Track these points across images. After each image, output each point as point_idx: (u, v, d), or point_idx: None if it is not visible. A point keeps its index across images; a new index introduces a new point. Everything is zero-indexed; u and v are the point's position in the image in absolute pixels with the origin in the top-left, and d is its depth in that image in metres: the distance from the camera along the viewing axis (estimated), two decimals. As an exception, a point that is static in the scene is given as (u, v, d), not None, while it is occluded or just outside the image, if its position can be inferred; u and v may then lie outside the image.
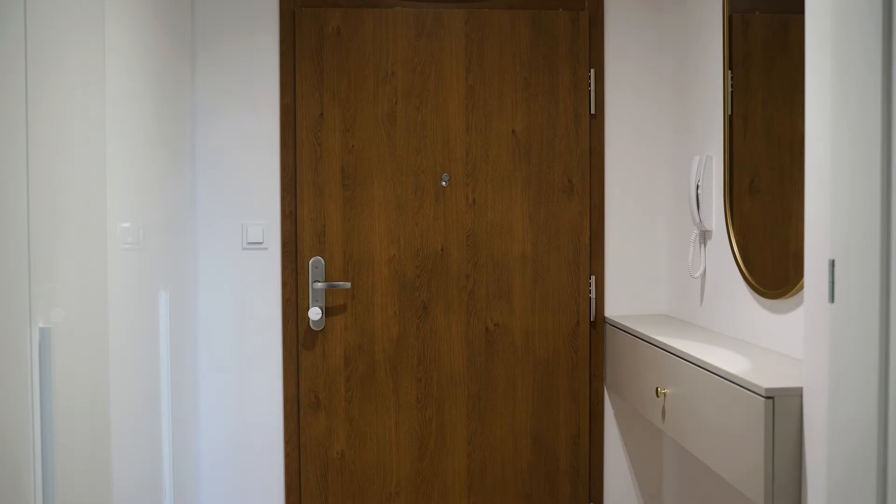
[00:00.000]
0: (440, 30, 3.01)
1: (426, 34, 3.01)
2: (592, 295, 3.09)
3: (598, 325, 3.10)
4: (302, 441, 3.04)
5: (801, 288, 2.11)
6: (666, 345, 2.44)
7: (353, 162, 3.00)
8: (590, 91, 3.06)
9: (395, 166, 3.01)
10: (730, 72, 2.54)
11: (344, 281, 3.01)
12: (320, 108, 2.98)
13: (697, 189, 2.69)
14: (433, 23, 3.01)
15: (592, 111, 3.07)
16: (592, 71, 3.06)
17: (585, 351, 3.09)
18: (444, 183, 3.02)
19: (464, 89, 3.02)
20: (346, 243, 3.00)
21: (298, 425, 3.03)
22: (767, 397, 1.85)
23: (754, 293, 2.42)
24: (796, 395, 1.85)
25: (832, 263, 1.66)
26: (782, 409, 1.85)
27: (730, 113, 2.54)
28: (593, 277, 3.10)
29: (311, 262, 2.99)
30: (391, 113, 3.00)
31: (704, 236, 2.76)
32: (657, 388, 2.46)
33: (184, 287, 2.86)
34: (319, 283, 2.99)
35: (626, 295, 3.14)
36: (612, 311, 3.12)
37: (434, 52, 3.01)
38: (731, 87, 2.53)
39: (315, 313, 2.97)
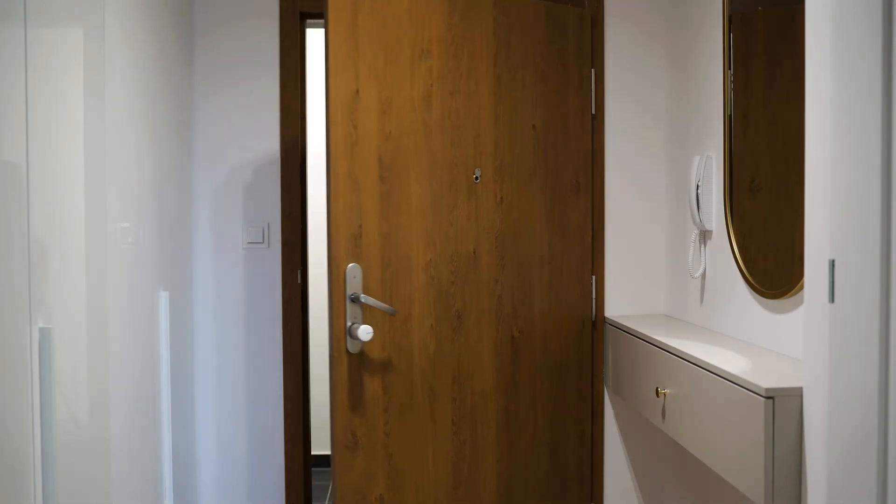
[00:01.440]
0: (471, 10, 2.74)
1: (459, 13, 2.71)
2: (593, 295, 3.09)
3: (599, 325, 3.10)
4: (339, 489, 2.53)
5: (801, 288, 2.11)
6: (666, 345, 2.44)
7: (390, 151, 2.58)
8: (591, 91, 3.06)
9: (430, 158, 2.66)
10: (730, 71, 2.53)
11: (381, 290, 2.57)
12: (356, 83, 2.52)
13: (697, 189, 2.69)
14: (465, 2, 2.74)
15: (593, 111, 3.07)
16: (593, 71, 3.06)
17: (588, 352, 3.08)
18: (475, 178, 2.75)
19: (493, 77, 2.79)
20: (383, 247, 2.57)
21: (334, 470, 2.55)
22: (767, 397, 1.85)
23: (754, 293, 2.42)
24: (796, 395, 1.85)
25: (832, 263, 1.66)
26: (782, 409, 1.85)
27: (730, 112, 2.54)
28: (594, 277, 3.09)
29: (347, 269, 2.49)
30: (427, 96, 2.65)
31: (704, 236, 2.75)
32: (657, 388, 2.46)
33: (183, 287, 2.86)
34: (362, 298, 2.49)
35: (626, 295, 3.14)
36: (612, 311, 3.12)
37: (466, 34, 2.73)
38: (731, 86, 2.53)
39: (366, 332, 2.44)
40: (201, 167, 3.02)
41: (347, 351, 2.50)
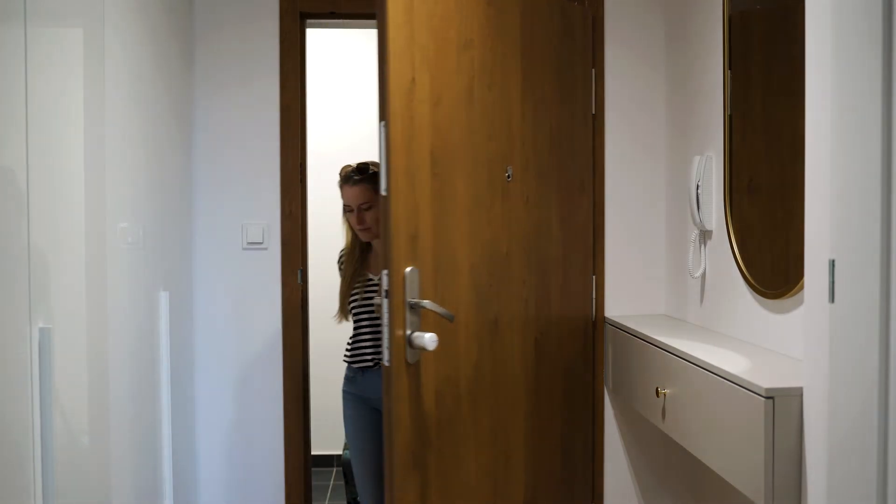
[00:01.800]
0: (504, 1, 2.62)
1: (496, 5, 2.58)
2: (593, 295, 3.09)
3: (599, 324, 3.10)
4: None
5: (802, 288, 2.11)
6: (666, 345, 2.44)
7: (440, 145, 2.37)
8: (591, 90, 3.05)
9: (472, 154, 2.49)
10: (729, 71, 2.53)
11: (434, 295, 2.33)
12: (412, 72, 2.29)
13: (697, 189, 2.68)
14: None
15: (593, 111, 3.06)
16: (593, 70, 3.06)
17: (589, 352, 3.08)
18: (507, 176, 2.62)
19: (520, 73, 2.67)
20: (435, 249, 2.36)
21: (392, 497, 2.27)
22: (767, 397, 1.85)
23: (754, 293, 2.42)
24: (796, 395, 1.85)
25: (832, 263, 1.66)
26: (782, 409, 1.85)
27: (730, 113, 2.54)
28: (594, 277, 3.09)
29: (406, 273, 2.22)
30: (469, 88, 2.49)
31: (704, 236, 2.75)
32: (657, 388, 2.46)
33: (183, 287, 2.86)
34: (426, 304, 2.24)
35: (626, 295, 3.13)
36: (612, 311, 3.12)
37: (499, 27, 2.59)
38: (731, 86, 2.53)
39: (432, 341, 2.18)
40: (201, 167, 3.02)
41: (407, 362, 2.23)
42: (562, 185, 2.89)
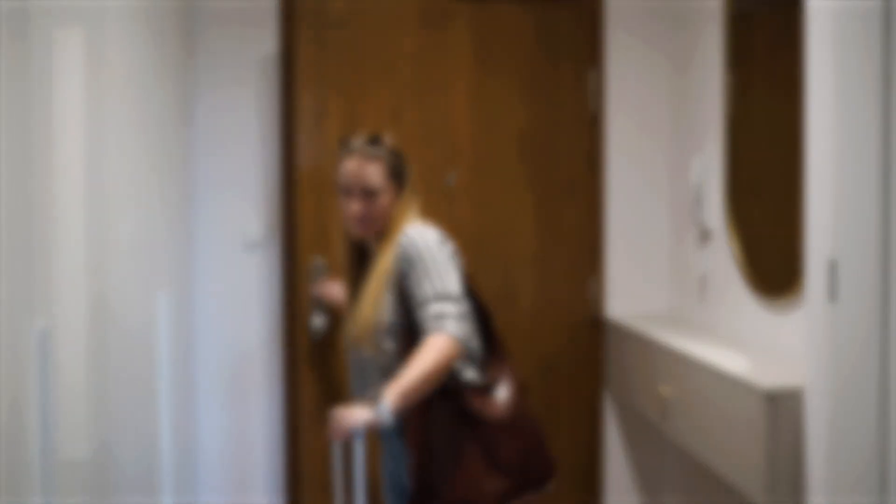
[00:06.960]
0: (444, 20, 2.94)
1: (433, 24, 2.95)
2: (594, 295, 3.09)
3: (598, 325, 3.09)
4: None
5: (802, 288, 2.11)
6: (666, 345, 2.44)
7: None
8: (591, 91, 3.05)
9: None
10: (730, 70, 2.53)
11: None
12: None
13: (698, 189, 2.68)
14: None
15: (593, 111, 3.06)
16: (594, 71, 3.06)
17: (591, 351, 3.08)
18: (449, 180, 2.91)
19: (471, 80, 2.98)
20: None
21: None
22: (768, 397, 1.85)
23: (755, 293, 2.42)
24: (797, 395, 1.85)
25: (833, 263, 1.66)
26: (783, 409, 1.85)
27: (730, 112, 2.54)
28: (594, 278, 3.09)
29: None
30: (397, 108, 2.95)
31: (705, 236, 2.75)
32: (657, 388, 2.46)
33: (183, 287, 2.86)
34: None
35: (626, 295, 3.13)
36: (612, 311, 3.12)
37: (440, 43, 2.93)
38: (732, 85, 2.53)
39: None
40: (201, 167, 3.02)
41: None
42: (537, 184, 3.00)
